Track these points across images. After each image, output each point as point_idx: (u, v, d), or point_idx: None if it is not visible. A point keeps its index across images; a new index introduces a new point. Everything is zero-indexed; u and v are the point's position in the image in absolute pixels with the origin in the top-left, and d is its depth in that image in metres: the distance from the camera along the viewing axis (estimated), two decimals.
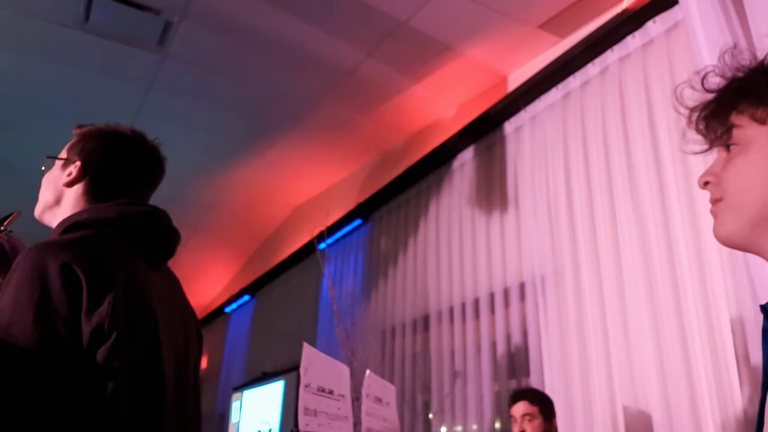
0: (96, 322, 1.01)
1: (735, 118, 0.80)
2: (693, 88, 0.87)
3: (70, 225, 1.16)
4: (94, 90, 3.63)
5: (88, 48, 3.25)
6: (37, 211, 1.30)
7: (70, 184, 1.25)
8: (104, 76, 3.51)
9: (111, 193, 1.25)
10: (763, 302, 0.82)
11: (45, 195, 1.28)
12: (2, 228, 1.14)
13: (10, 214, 1.23)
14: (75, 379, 0.99)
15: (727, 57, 0.85)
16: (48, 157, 1.31)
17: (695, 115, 0.85)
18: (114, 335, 1.01)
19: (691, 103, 0.86)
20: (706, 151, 0.87)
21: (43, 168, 1.32)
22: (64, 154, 1.29)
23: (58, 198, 1.26)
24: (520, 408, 2.32)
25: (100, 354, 1.00)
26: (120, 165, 1.28)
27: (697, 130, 0.85)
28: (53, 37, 3.18)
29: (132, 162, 1.29)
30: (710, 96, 0.84)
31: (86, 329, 1.00)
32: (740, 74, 0.83)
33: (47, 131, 3.89)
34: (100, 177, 1.26)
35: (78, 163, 1.25)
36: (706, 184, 0.83)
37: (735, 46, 0.86)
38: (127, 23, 3.05)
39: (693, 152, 0.88)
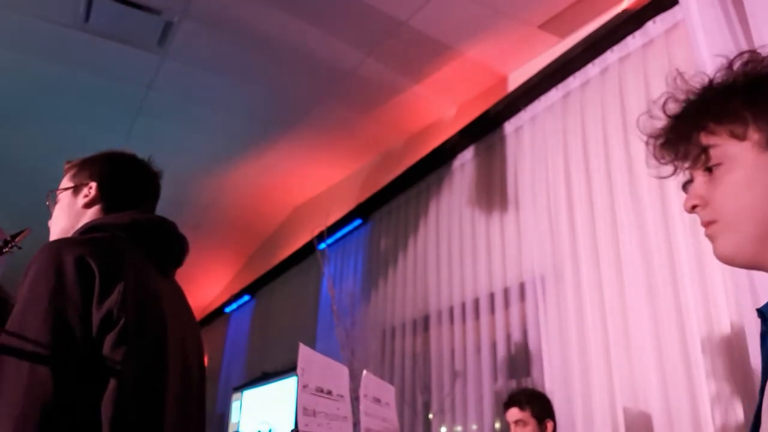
0: (106, 309, 1.06)
1: (706, 139, 0.78)
2: (651, 116, 0.85)
3: (87, 228, 1.24)
4: (94, 90, 3.63)
5: (88, 48, 3.25)
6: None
7: (88, 205, 1.33)
8: (104, 76, 3.51)
9: (124, 208, 1.33)
10: (761, 305, 0.81)
11: (61, 223, 1.34)
12: (14, 244, 1.16)
13: (22, 231, 1.26)
14: (84, 366, 1.03)
15: (679, 81, 0.83)
16: (50, 191, 1.39)
17: (655, 141, 0.83)
18: (122, 321, 1.06)
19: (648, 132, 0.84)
20: (671, 175, 0.85)
21: (47, 203, 1.39)
22: (68, 184, 1.37)
23: (76, 221, 1.32)
24: (511, 415, 2.35)
25: (109, 340, 1.05)
26: (129, 182, 1.38)
27: (658, 157, 0.84)
28: (53, 37, 3.18)
29: (138, 179, 1.40)
30: (666, 122, 0.82)
31: (96, 318, 1.05)
32: (693, 97, 0.81)
33: (47, 131, 3.90)
34: (115, 195, 1.34)
35: (93, 185, 1.33)
36: (693, 207, 0.81)
37: (681, 73, 0.84)
38: (127, 23, 3.05)
39: (660, 177, 0.86)
